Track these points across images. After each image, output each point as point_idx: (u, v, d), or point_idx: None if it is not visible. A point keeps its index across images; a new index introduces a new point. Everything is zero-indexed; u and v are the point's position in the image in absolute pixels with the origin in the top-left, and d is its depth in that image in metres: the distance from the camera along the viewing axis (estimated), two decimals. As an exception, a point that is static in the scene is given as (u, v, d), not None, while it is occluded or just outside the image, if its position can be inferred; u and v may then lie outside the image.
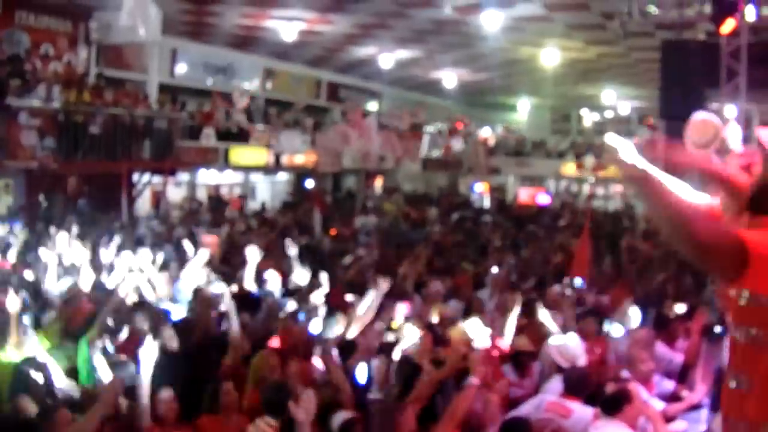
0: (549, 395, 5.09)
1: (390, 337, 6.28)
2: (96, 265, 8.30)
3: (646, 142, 2.87)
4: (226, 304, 6.28)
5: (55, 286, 7.54)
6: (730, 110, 12.68)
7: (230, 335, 5.94)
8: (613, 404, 4.54)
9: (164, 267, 8.52)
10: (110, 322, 5.78)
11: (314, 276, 8.34)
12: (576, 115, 36.97)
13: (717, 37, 11.83)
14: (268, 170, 21.60)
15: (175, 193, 19.32)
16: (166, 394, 4.61)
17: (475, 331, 5.45)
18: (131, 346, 5.69)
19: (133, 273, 7.21)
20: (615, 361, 6.08)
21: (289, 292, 7.92)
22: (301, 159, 20.85)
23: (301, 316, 6.81)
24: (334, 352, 5.53)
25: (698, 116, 2.87)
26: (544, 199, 28.66)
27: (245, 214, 17.97)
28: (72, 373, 5.34)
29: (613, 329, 6.54)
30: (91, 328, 5.40)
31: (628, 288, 8.29)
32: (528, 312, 7.04)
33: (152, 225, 13.74)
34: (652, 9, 12.50)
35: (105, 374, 4.96)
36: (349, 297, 7.48)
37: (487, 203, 27.67)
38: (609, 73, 24.21)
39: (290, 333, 6.18)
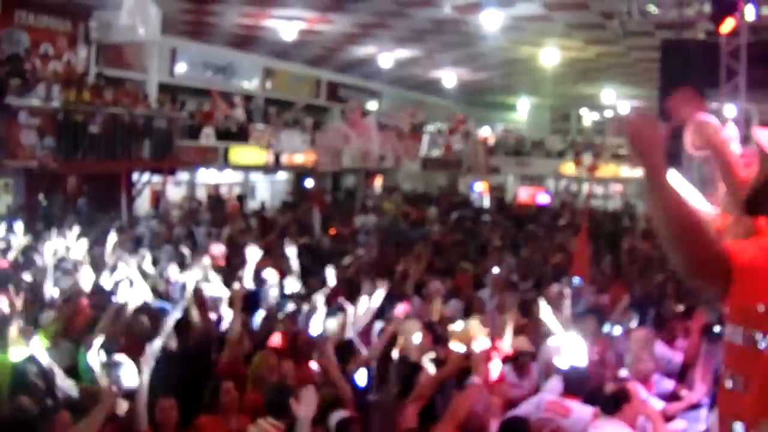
0: (548, 395, 5.09)
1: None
2: (96, 264, 8.30)
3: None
4: (226, 305, 6.28)
5: (54, 286, 7.53)
6: (730, 110, 12.68)
7: (228, 334, 5.94)
8: (613, 403, 4.55)
9: (164, 266, 8.53)
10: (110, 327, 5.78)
11: (314, 276, 8.34)
12: (576, 114, 36.98)
13: (716, 37, 11.84)
14: (268, 170, 21.60)
15: (175, 193, 19.32)
16: (167, 401, 4.60)
17: (477, 331, 5.46)
18: (131, 347, 5.69)
19: (133, 273, 7.21)
20: (614, 361, 6.08)
21: (289, 295, 7.91)
22: (300, 158, 20.86)
23: (301, 317, 6.83)
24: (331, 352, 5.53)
25: (696, 117, 2.88)
26: (543, 198, 28.67)
27: (245, 213, 17.97)
28: (72, 372, 5.34)
29: (613, 329, 6.55)
30: (91, 333, 5.39)
31: (627, 287, 8.29)
32: (527, 312, 7.06)
33: (152, 224, 13.74)
34: (652, 8, 12.50)
35: (105, 375, 4.95)
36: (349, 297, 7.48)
37: (486, 203, 27.69)
38: (608, 73, 24.21)
39: (289, 333, 6.19)
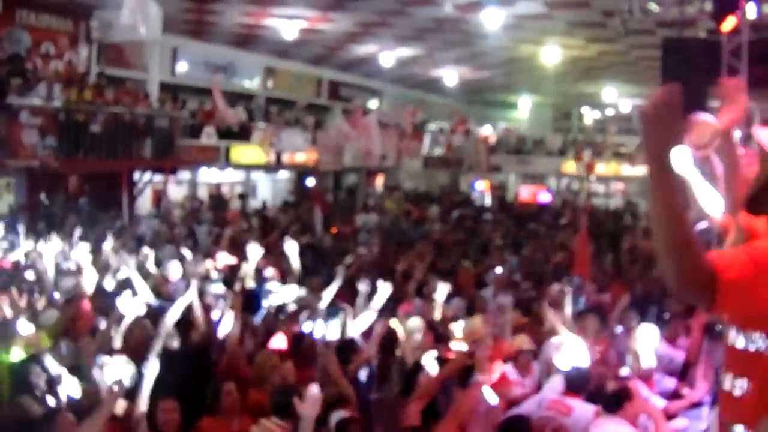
0: (550, 393, 5.09)
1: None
2: (97, 265, 8.31)
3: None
4: (227, 305, 6.28)
5: (56, 286, 7.54)
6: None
7: (228, 335, 5.93)
8: (614, 402, 4.55)
9: (165, 266, 8.53)
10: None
11: (315, 275, 8.34)
12: (577, 113, 36.97)
13: (718, 35, 11.81)
14: (269, 169, 21.60)
15: (176, 192, 19.33)
16: (168, 403, 4.58)
17: (480, 330, 5.47)
18: (132, 348, 5.70)
19: (134, 274, 7.21)
20: (616, 359, 6.08)
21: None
22: (302, 157, 20.86)
23: (303, 317, 6.83)
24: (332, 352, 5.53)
25: (697, 117, 2.88)
26: (545, 197, 28.66)
27: (246, 213, 17.97)
28: (73, 371, 5.34)
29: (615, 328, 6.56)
30: (93, 334, 5.41)
31: (629, 286, 8.29)
32: (527, 311, 7.06)
33: (153, 224, 13.76)
34: (653, 6, 12.47)
35: (106, 377, 4.95)
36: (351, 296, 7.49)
37: (488, 201, 27.68)
38: (610, 71, 24.18)
39: (291, 334, 6.20)
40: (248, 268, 7.87)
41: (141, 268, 8.01)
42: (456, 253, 11.74)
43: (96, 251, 9.05)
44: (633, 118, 32.63)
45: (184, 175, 19.61)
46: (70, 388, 4.94)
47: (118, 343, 5.84)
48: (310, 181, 23.17)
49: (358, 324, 6.46)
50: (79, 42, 16.35)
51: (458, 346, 5.96)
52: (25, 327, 5.68)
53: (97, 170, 14.76)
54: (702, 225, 3.50)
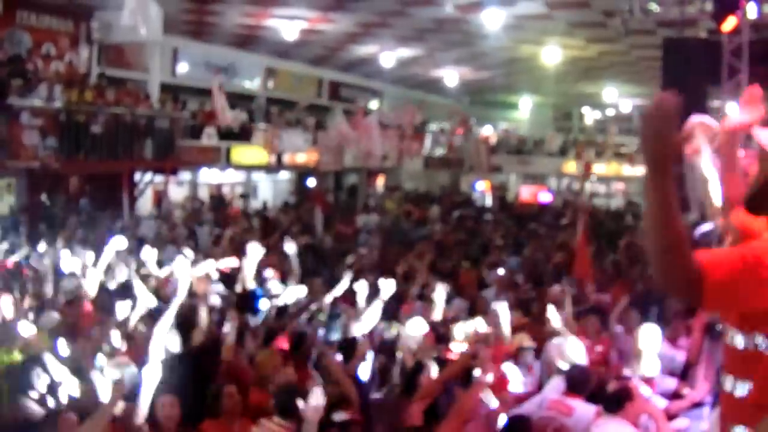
0: (551, 393, 5.09)
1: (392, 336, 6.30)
2: (98, 265, 8.30)
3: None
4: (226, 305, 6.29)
5: (57, 286, 7.55)
6: (732, 108, 12.66)
7: (226, 336, 5.93)
8: (615, 402, 4.55)
9: (166, 267, 8.53)
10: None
11: (316, 276, 8.34)
12: (578, 113, 36.97)
13: (718, 35, 11.83)
14: (270, 169, 21.60)
15: (177, 193, 19.33)
16: (167, 398, 4.58)
17: (482, 331, 5.47)
18: (132, 348, 5.70)
19: (134, 275, 7.21)
20: (617, 359, 6.09)
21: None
22: (302, 158, 20.86)
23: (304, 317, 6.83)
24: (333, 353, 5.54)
25: (695, 119, 2.88)
26: (545, 197, 28.66)
27: (247, 213, 17.97)
28: (74, 373, 5.35)
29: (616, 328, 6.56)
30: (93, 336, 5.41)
31: (628, 286, 8.29)
32: (527, 311, 7.06)
33: (154, 224, 13.75)
34: (654, 6, 12.48)
35: (105, 378, 4.95)
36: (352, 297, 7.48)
37: (488, 201, 27.68)
38: (610, 71, 24.19)
39: (292, 334, 6.19)
40: (248, 269, 7.86)
41: (142, 270, 8.01)
42: (457, 254, 11.74)
43: (97, 252, 9.05)
44: (633, 118, 32.65)
45: (185, 175, 19.61)
46: (71, 389, 4.95)
47: (118, 344, 5.85)
48: (311, 182, 23.18)
49: (360, 325, 6.46)
50: (80, 43, 16.36)
51: (459, 347, 5.97)
52: (25, 328, 5.68)
53: (98, 171, 14.77)
54: (706, 227, 3.50)
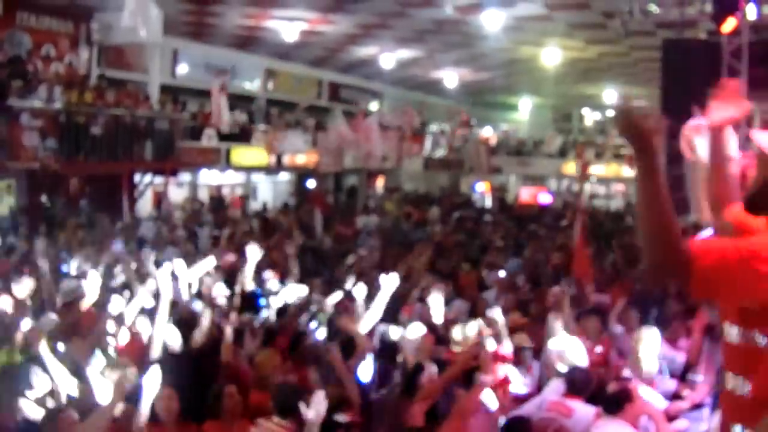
0: (551, 394, 5.09)
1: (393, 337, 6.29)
2: (98, 265, 8.32)
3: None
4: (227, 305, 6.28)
5: (57, 287, 7.54)
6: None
7: (224, 337, 5.93)
8: (615, 403, 4.55)
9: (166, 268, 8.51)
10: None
11: (316, 276, 8.34)
12: (577, 114, 36.99)
13: (718, 36, 11.81)
14: (270, 170, 21.62)
15: (177, 194, 19.34)
16: (166, 392, 4.56)
17: (480, 334, 5.47)
18: (133, 349, 5.70)
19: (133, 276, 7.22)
20: (617, 360, 6.08)
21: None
22: (302, 159, 20.87)
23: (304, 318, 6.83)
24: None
25: (693, 122, 2.88)
26: (545, 198, 28.67)
27: (247, 214, 17.98)
28: (73, 372, 5.35)
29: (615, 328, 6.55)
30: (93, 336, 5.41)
31: (627, 287, 8.28)
32: (526, 312, 7.06)
33: (153, 226, 13.75)
34: (653, 8, 12.48)
35: (104, 378, 4.95)
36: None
37: (488, 203, 27.69)
38: (610, 73, 24.21)
39: (291, 334, 6.19)
40: (248, 270, 7.86)
41: (142, 271, 8.01)
42: (457, 255, 11.73)
43: (97, 252, 9.06)
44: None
45: (185, 177, 19.62)
46: (70, 388, 4.95)
47: (118, 345, 5.85)
48: (311, 183, 23.18)
49: (362, 324, 6.46)
50: (80, 44, 16.37)
51: (458, 348, 5.97)
52: (25, 328, 5.68)
53: (98, 172, 14.78)
54: (706, 233, 3.51)
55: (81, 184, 15.93)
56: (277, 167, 20.61)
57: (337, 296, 7.31)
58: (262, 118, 21.38)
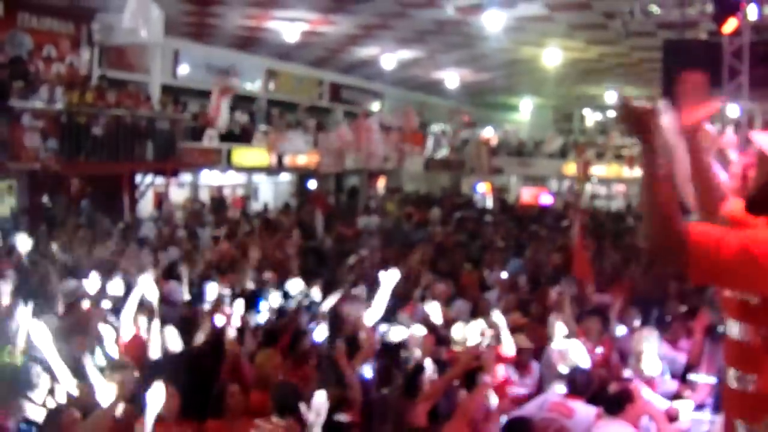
0: (552, 395, 5.09)
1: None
2: (99, 267, 8.31)
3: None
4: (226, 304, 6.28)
5: (57, 287, 7.54)
6: (733, 110, 12.67)
7: (226, 336, 5.93)
8: (616, 404, 4.55)
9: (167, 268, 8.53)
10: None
11: (317, 277, 8.34)
12: (578, 114, 36.97)
13: (719, 37, 11.81)
14: (271, 171, 21.62)
15: (178, 195, 19.34)
16: (166, 389, 4.56)
17: (481, 334, 5.47)
18: (134, 349, 5.70)
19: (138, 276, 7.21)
20: (618, 361, 6.08)
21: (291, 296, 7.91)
22: (303, 160, 20.87)
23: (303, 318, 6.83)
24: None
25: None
26: (546, 199, 28.66)
27: (248, 215, 17.99)
28: (73, 372, 5.35)
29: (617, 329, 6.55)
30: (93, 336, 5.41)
31: (628, 287, 8.28)
32: (526, 312, 7.06)
33: (154, 226, 13.76)
34: (654, 8, 12.48)
35: (107, 379, 4.95)
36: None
37: (489, 203, 27.68)
38: (611, 73, 24.20)
39: (291, 334, 6.19)
40: (248, 270, 7.88)
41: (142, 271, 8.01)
42: (458, 255, 11.73)
43: (97, 252, 9.06)
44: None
45: (186, 177, 19.62)
46: (70, 388, 4.95)
47: (118, 344, 5.85)
48: (312, 184, 23.18)
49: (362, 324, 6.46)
50: (81, 45, 16.37)
51: (459, 348, 5.97)
52: (26, 327, 5.68)
53: (99, 173, 14.78)
54: None
55: (82, 185, 15.94)
56: (278, 168, 20.61)
57: (337, 296, 7.31)
58: (263, 118, 21.37)
